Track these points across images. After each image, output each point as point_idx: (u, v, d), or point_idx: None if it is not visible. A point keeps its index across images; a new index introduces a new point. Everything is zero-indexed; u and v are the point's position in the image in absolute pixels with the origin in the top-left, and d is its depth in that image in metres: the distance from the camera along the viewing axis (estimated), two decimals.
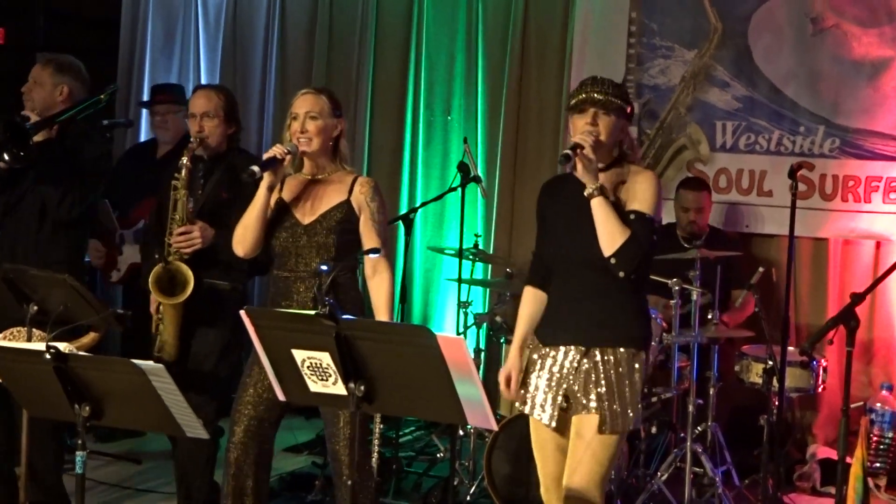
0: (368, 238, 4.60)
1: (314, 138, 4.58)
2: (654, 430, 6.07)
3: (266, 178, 4.48)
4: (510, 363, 4.33)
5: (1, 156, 5.01)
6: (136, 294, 6.41)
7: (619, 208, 4.05)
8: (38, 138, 5.14)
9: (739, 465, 6.24)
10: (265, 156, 4.50)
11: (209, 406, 5.10)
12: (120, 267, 6.68)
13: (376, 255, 4.50)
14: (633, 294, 4.15)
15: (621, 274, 4.00)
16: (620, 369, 4.09)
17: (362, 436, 4.63)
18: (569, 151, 4.00)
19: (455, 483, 5.82)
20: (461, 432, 6.11)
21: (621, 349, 4.10)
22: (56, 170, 5.23)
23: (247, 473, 4.65)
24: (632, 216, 4.03)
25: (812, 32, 6.94)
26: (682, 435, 5.93)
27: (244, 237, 4.60)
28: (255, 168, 4.43)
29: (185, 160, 5.07)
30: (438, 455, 6.52)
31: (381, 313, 4.61)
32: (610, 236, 3.99)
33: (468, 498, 5.89)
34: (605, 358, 4.10)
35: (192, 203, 5.12)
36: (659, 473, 5.87)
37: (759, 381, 6.03)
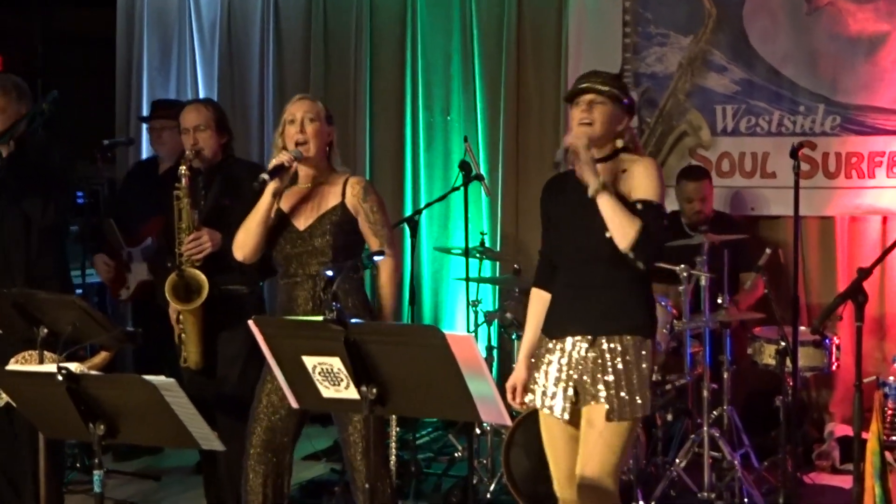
0: (370, 239, 4.65)
1: (311, 141, 4.59)
2: (670, 417, 6.09)
3: (272, 185, 4.51)
4: (517, 374, 4.35)
5: None
6: (147, 311, 6.45)
7: (624, 199, 4.03)
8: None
9: (758, 447, 6.23)
10: (272, 164, 4.54)
11: (242, 412, 5.12)
12: (129, 285, 6.69)
13: (381, 258, 4.50)
14: (638, 283, 4.14)
15: (640, 265, 4.00)
16: (627, 357, 4.08)
17: (378, 440, 4.62)
18: (559, 160, 4.00)
19: (475, 482, 5.82)
20: (478, 431, 6.11)
21: (627, 337, 4.10)
22: (28, 182, 5.26)
23: (265, 484, 4.66)
24: (639, 206, 4.02)
25: (807, 11, 6.94)
26: (699, 421, 5.93)
27: (245, 242, 4.62)
28: (265, 175, 4.48)
29: (182, 169, 5.16)
30: (456, 455, 6.52)
31: (383, 309, 4.69)
32: (622, 230, 3.96)
33: (488, 496, 5.89)
34: (612, 346, 4.09)
35: (197, 214, 5.18)
36: (677, 460, 5.87)
37: (773, 362, 6.02)
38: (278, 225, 4.65)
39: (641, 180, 4.07)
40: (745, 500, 5.75)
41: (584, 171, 3.99)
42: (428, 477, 6.37)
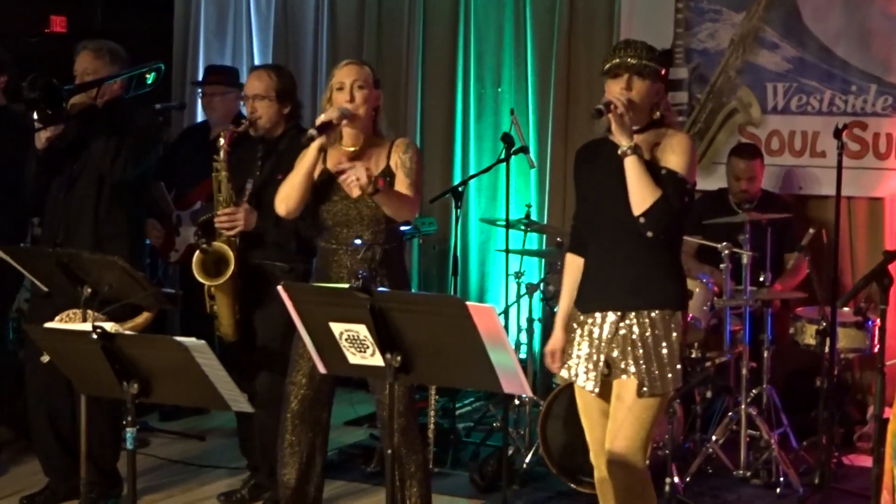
0: (398, 182, 4.59)
1: (361, 107, 4.60)
2: (709, 394, 6.09)
3: (319, 140, 4.45)
4: (554, 339, 4.39)
5: (31, 113, 5.09)
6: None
7: (652, 168, 4.04)
8: (76, 100, 5.24)
9: (798, 427, 6.21)
10: (319, 120, 4.48)
11: (278, 380, 5.17)
12: (178, 248, 6.77)
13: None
14: (668, 256, 4.16)
15: (649, 234, 4.01)
16: (657, 331, 4.10)
17: (408, 406, 4.66)
18: (601, 107, 4.01)
19: (511, 452, 5.86)
20: (516, 402, 6.14)
21: (657, 311, 4.11)
22: (108, 137, 5.31)
23: (304, 444, 4.73)
24: (663, 171, 4.04)
25: None
26: (738, 399, 5.93)
27: (289, 195, 4.57)
28: (313, 131, 4.42)
29: (222, 142, 5.15)
30: (495, 424, 6.54)
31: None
32: (641, 196, 3.99)
33: (524, 466, 5.93)
34: (641, 321, 4.11)
35: (251, 185, 5.17)
36: (714, 437, 5.88)
37: (814, 342, 6.01)
38: (326, 187, 4.64)
39: (672, 153, 4.08)
40: (781, 479, 5.76)
41: (618, 130, 4.00)
42: (466, 446, 6.42)
